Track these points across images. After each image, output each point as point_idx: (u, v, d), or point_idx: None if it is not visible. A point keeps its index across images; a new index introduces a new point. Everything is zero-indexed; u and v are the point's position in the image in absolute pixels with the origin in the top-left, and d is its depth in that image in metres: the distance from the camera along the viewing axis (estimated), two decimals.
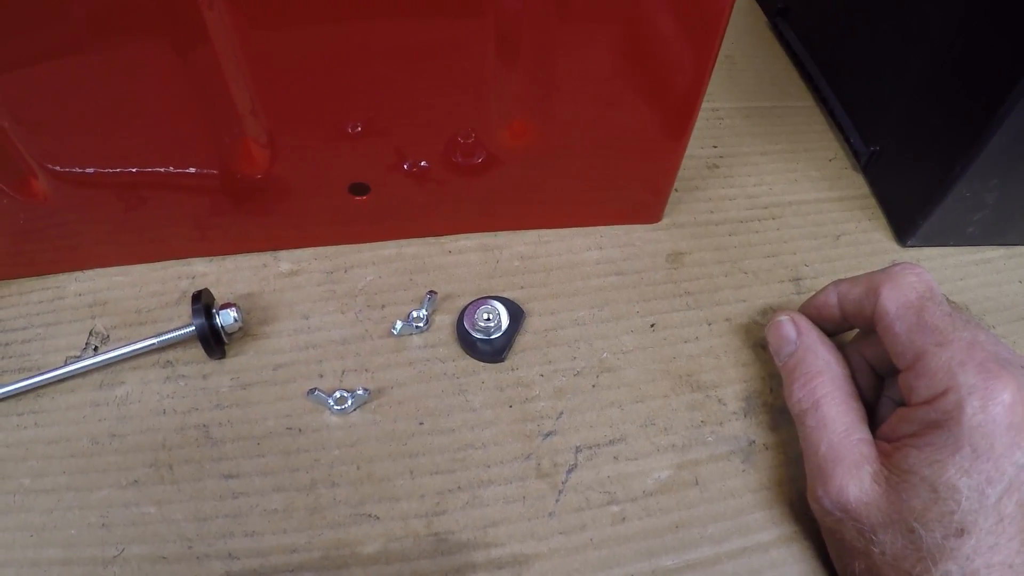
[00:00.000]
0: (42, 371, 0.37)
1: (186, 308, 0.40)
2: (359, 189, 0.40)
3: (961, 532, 0.26)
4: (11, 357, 0.39)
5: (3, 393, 0.37)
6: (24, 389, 0.37)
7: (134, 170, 0.37)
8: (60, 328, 0.40)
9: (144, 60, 0.32)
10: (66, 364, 0.38)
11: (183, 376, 0.37)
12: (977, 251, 0.45)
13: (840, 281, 0.35)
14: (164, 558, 0.32)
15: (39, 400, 0.37)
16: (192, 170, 0.37)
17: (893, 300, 0.31)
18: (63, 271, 0.42)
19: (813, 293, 0.37)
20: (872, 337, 0.33)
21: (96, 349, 0.39)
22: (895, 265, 0.32)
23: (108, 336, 0.39)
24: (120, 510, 0.33)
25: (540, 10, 0.32)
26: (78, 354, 0.38)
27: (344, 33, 0.32)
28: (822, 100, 0.52)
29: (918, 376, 0.29)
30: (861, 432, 0.31)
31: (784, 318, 0.35)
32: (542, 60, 0.34)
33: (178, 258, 0.42)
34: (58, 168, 0.36)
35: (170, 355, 0.38)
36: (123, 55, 0.31)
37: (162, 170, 0.37)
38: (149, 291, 0.41)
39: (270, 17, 0.31)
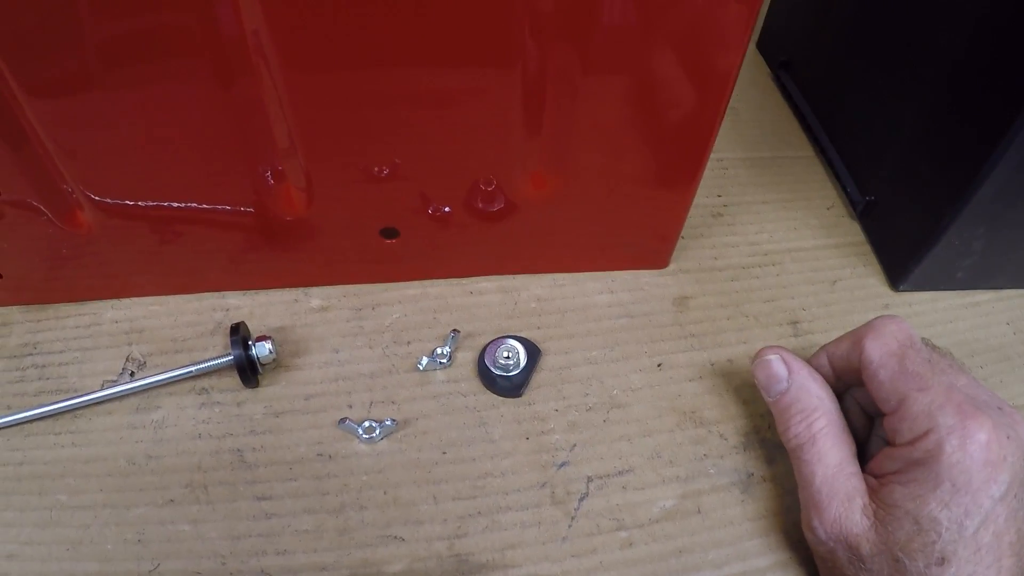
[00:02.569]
0: (80, 393, 0.40)
1: (220, 339, 0.43)
2: (389, 233, 0.43)
3: (942, 561, 0.29)
4: (48, 379, 0.42)
5: (42, 413, 0.40)
6: (62, 410, 0.40)
7: (172, 204, 0.40)
8: (97, 353, 0.43)
9: (187, 93, 0.34)
10: (103, 387, 0.41)
11: (218, 403, 0.41)
12: (967, 295, 0.49)
13: (827, 344, 0.38)
14: (198, 573, 0.35)
15: (76, 421, 0.40)
16: (229, 207, 0.40)
17: (876, 350, 0.34)
18: (100, 299, 0.45)
19: (810, 344, 0.40)
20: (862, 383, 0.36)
21: (132, 375, 0.42)
22: (877, 318, 0.36)
23: (144, 362, 0.42)
24: (156, 527, 0.36)
25: (565, 63, 0.35)
26: (114, 379, 0.42)
27: (382, 78, 0.35)
28: (821, 151, 0.57)
29: (901, 419, 0.32)
30: (852, 467, 0.34)
31: (773, 356, 0.37)
32: (564, 112, 0.37)
33: (213, 291, 0.46)
34: (99, 198, 0.39)
35: (205, 383, 0.42)
36: (166, 88, 0.34)
37: (200, 206, 0.40)
38: (184, 321, 0.44)
39: (315, 59, 0.34)
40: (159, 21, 0.32)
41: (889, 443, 0.33)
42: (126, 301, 0.45)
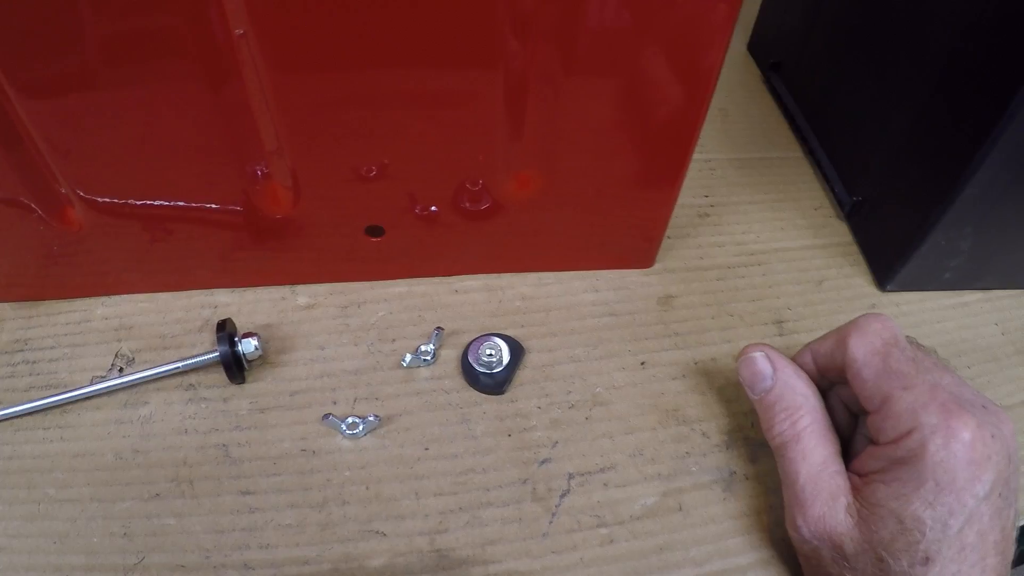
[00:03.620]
0: (69, 388, 0.40)
1: (208, 335, 0.43)
2: (374, 231, 0.43)
3: (926, 560, 0.29)
4: (38, 375, 0.42)
5: (30, 408, 0.40)
6: (51, 405, 0.40)
7: (162, 203, 0.40)
8: (87, 349, 0.43)
9: (176, 95, 0.35)
10: (92, 383, 0.41)
11: (205, 399, 0.41)
12: (954, 295, 0.49)
13: (812, 342, 0.38)
14: (183, 567, 0.35)
15: (65, 416, 0.40)
16: (217, 206, 0.41)
17: (860, 348, 0.33)
18: (90, 296, 0.45)
19: (796, 344, 0.39)
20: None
21: (121, 370, 0.42)
22: (861, 316, 0.35)
23: (133, 359, 0.42)
24: (142, 521, 0.36)
25: (546, 64, 0.35)
26: (104, 374, 0.42)
27: (366, 79, 0.35)
28: (810, 152, 0.57)
29: (885, 418, 0.31)
30: (836, 465, 0.33)
31: (758, 354, 0.37)
32: (547, 112, 0.37)
33: (201, 288, 0.46)
34: (90, 196, 0.39)
35: (192, 378, 0.42)
36: (156, 89, 0.34)
37: (189, 205, 0.40)
38: (173, 318, 0.44)
39: (299, 60, 0.34)
40: (148, 23, 0.32)
41: (873, 442, 0.33)
42: (116, 298, 0.46)
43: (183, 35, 0.32)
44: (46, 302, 0.45)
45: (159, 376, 0.41)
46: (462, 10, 0.32)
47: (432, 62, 0.34)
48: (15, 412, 0.40)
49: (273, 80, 0.34)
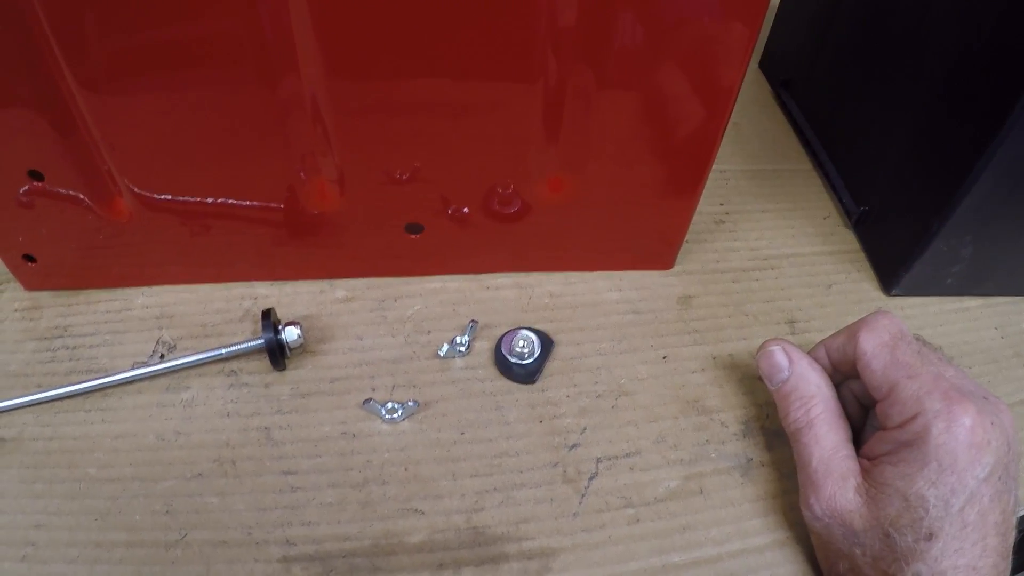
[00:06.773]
0: (110, 372, 0.42)
1: (248, 325, 0.46)
2: (414, 228, 0.46)
3: (930, 536, 0.32)
4: (79, 359, 0.44)
5: (71, 391, 0.42)
6: (92, 388, 0.42)
7: (211, 200, 0.42)
8: (128, 336, 0.45)
9: (234, 96, 0.37)
10: (133, 368, 0.43)
11: (246, 384, 0.43)
12: (956, 300, 0.52)
13: (825, 338, 0.41)
14: (225, 543, 0.37)
15: (106, 399, 0.42)
16: (263, 203, 0.43)
17: (870, 341, 0.37)
18: (130, 286, 0.48)
19: (807, 343, 0.42)
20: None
21: (162, 357, 0.44)
22: (871, 314, 0.38)
23: (175, 346, 0.45)
24: (184, 499, 0.38)
25: (581, 80, 0.38)
26: (145, 360, 0.44)
27: (418, 89, 0.38)
28: (818, 164, 0.60)
29: (892, 404, 0.34)
30: (847, 449, 0.36)
31: (776, 348, 0.40)
32: (580, 124, 0.41)
33: (241, 280, 0.48)
34: (139, 190, 0.41)
35: (234, 365, 0.44)
36: (216, 90, 0.37)
37: (235, 201, 0.43)
38: (214, 308, 0.47)
39: (357, 70, 0.37)
40: (211, 27, 0.34)
41: (881, 428, 0.35)
42: (156, 288, 0.48)
43: (244, 41, 0.35)
44: (85, 291, 0.47)
45: (201, 362, 0.43)
46: (510, 30, 0.36)
47: (481, 76, 0.38)
48: (56, 395, 0.41)
49: (330, 86, 0.37)
